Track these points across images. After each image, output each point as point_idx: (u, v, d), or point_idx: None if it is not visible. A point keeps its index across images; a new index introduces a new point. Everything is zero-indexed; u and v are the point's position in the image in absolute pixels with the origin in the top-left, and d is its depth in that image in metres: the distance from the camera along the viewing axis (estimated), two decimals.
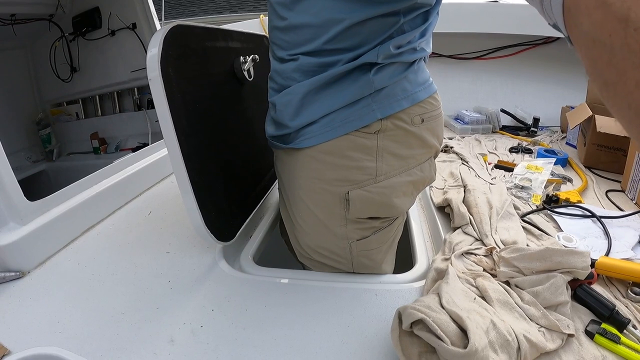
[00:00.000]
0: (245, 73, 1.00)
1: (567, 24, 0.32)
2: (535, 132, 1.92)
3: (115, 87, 2.14)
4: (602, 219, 1.05)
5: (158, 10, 1.87)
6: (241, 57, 1.01)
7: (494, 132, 1.95)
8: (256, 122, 1.07)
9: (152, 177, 1.36)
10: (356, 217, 0.80)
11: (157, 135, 2.01)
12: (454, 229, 1.00)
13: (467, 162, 1.44)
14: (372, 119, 0.73)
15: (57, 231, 0.97)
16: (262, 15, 2.48)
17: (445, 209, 1.11)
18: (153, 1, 1.90)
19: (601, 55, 0.28)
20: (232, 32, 1.03)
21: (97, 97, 2.28)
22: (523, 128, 1.96)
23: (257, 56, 1.04)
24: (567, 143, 1.77)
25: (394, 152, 0.76)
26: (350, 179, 0.76)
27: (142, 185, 1.30)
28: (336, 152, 0.75)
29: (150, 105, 2.01)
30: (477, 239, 0.94)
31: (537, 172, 1.32)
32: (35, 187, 2.34)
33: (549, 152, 1.55)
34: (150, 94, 2.05)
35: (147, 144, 1.98)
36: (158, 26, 1.83)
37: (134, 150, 2.08)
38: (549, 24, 0.36)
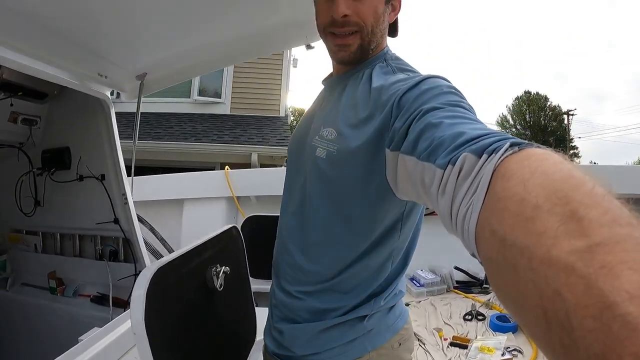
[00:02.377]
0: (217, 285, 1.05)
1: (478, 251, 0.42)
2: (488, 288, 2.03)
3: (78, 232, 2.12)
4: None
5: (125, 126, 1.90)
6: (213, 268, 1.06)
7: (448, 291, 2.05)
8: (225, 329, 1.10)
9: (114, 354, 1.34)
10: None
11: (117, 289, 1.98)
12: None
13: (423, 344, 1.51)
14: (363, 352, 0.85)
15: None
16: (227, 167, 2.58)
17: None
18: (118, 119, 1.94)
19: (492, 266, 0.38)
20: (205, 243, 1.09)
21: (58, 234, 2.24)
22: (475, 283, 2.07)
23: (228, 268, 1.09)
24: None
25: None
26: None
27: None
28: None
29: (112, 257, 1.99)
30: None
31: (489, 353, 1.40)
32: None
33: (501, 320, 1.64)
34: (113, 246, 2.02)
35: (107, 295, 1.94)
36: (126, 181, 1.86)
37: (92, 299, 2.03)
38: (470, 254, 0.46)
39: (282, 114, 8.72)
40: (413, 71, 0.85)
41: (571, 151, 36.57)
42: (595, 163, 44.66)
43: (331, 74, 1.00)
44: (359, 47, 0.84)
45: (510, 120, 39.60)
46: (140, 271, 1.86)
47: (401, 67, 0.86)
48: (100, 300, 1.99)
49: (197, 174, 2.87)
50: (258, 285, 1.42)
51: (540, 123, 37.41)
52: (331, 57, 0.90)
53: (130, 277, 1.91)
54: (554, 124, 37.36)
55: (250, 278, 1.39)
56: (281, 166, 7.67)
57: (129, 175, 1.92)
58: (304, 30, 1.42)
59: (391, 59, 0.89)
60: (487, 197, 0.41)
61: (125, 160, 1.93)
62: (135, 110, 2.00)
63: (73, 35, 1.39)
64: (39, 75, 1.46)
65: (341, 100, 0.85)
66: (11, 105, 1.99)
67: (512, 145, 0.44)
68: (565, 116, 35.99)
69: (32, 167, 2.22)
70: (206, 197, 2.82)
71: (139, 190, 1.90)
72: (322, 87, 1.02)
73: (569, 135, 36.15)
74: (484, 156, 0.45)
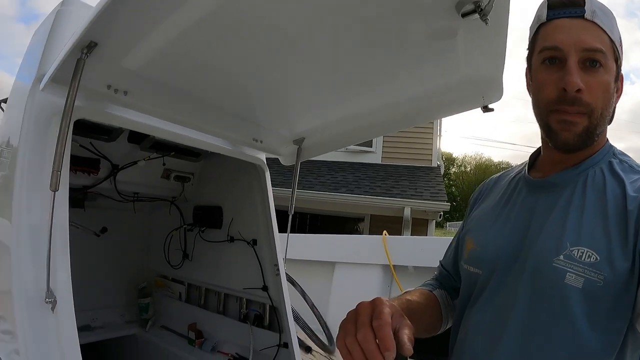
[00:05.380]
0: None
1: None
2: None
3: (224, 290, 2.13)
4: None
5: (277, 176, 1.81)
6: None
7: None
8: None
9: None
10: None
11: (258, 356, 1.88)
12: None
13: None
14: None
15: None
16: (385, 233, 2.45)
17: None
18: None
19: None
20: None
21: (203, 288, 2.29)
22: None
23: None
24: None
25: None
26: None
27: None
28: None
29: (257, 322, 1.94)
30: None
31: None
32: (119, 351, 2.35)
33: None
34: (258, 311, 1.96)
35: (247, 359, 1.89)
36: (279, 249, 1.82)
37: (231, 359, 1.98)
38: None
39: (434, 164, 8.57)
40: None
41: None
42: None
43: (530, 171, 0.87)
44: (584, 130, 0.71)
45: None
46: (285, 342, 1.79)
47: (633, 165, 0.75)
48: None
49: (352, 237, 2.80)
50: None
51: None
52: (548, 140, 0.77)
53: (273, 348, 1.85)
54: None
55: None
56: (434, 221, 7.42)
57: (283, 231, 1.86)
58: (480, 89, 1.21)
59: (620, 154, 0.77)
60: None
61: (282, 205, 1.89)
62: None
63: (228, 107, 1.38)
64: (193, 143, 1.49)
65: (583, 210, 0.70)
66: (164, 164, 2.11)
67: None
68: None
69: (184, 222, 2.32)
70: (360, 263, 2.65)
71: (291, 247, 1.84)
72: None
73: None
74: None
